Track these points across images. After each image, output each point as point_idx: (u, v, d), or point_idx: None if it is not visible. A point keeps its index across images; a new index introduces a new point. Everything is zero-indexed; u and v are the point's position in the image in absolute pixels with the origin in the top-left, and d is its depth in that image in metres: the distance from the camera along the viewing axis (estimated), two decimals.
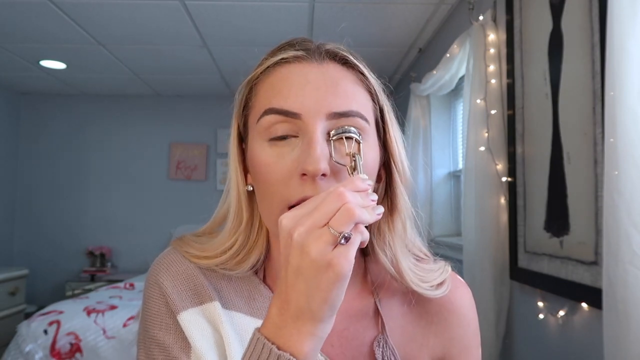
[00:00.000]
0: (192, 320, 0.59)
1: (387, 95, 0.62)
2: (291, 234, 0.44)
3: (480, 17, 2.02)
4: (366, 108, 0.57)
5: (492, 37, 1.92)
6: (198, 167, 4.59)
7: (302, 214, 0.44)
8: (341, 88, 0.55)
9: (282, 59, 0.57)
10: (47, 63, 3.57)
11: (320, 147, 0.51)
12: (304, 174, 0.52)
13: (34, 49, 3.25)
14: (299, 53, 0.57)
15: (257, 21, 2.71)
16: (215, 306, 0.60)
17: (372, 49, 3.14)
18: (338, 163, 0.52)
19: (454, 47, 2.24)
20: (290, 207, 0.52)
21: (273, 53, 0.59)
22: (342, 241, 0.42)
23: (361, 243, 0.44)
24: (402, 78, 3.69)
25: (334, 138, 0.53)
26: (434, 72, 2.50)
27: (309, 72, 0.55)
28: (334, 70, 0.56)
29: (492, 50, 1.91)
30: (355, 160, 0.52)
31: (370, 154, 0.56)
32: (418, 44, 3.05)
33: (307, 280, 0.43)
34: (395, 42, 3.05)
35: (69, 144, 4.57)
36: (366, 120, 0.55)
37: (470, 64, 1.98)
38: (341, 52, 0.58)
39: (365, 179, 0.47)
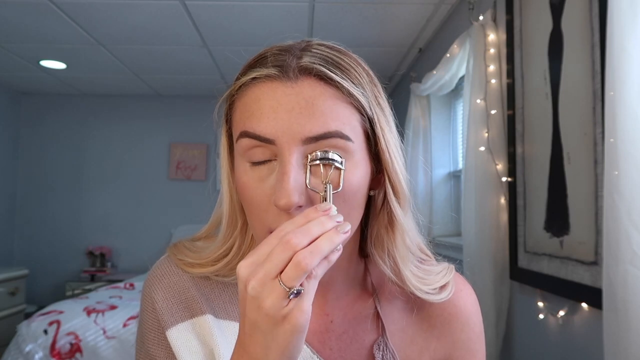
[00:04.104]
0: (180, 337, 0.59)
1: (384, 99, 0.58)
2: (246, 286, 0.44)
3: (480, 17, 2.02)
4: (349, 124, 0.52)
5: (492, 37, 1.92)
6: (198, 167, 4.59)
7: (256, 263, 0.44)
8: (317, 108, 0.50)
9: (254, 78, 0.53)
10: (47, 63, 3.57)
11: (293, 179, 0.49)
12: None
13: (34, 49, 3.25)
14: (271, 71, 0.52)
15: (257, 21, 2.71)
16: (207, 319, 0.60)
17: (372, 49, 3.14)
18: (313, 191, 0.50)
19: (454, 47, 2.24)
20: (271, 232, 0.51)
21: (246, 69, 0.56)
22: (292, 296, 0.42)
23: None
24: (402, 78, 3.69)
25: (310, 164, 0.50)
26: (434, 72, 2.50)
27: (282, 94, 0.51)
28: (309, 88, 0.51)
29: (492, 50, 1.91)
30: (326, 190, 0.50)
31: (356, 172, 0.53)
32: (418, 44, 3.05)
33: (264, 333, 0.43)
34: (395, 42, 3.05)
35: (69, 144, 4.57)
36: (348, 138, 0.51)
37: (470, 64, 1.98)
38: (316, 66, 0.51)
39: (327, 209, 0.47)
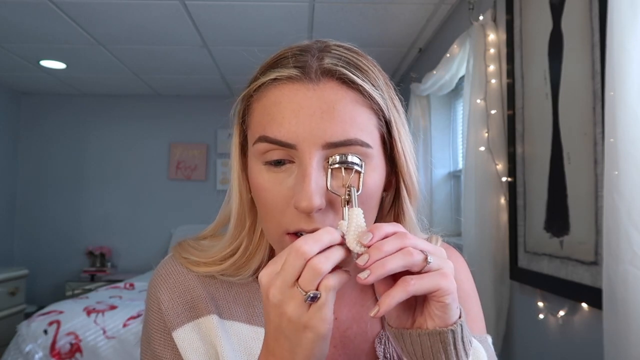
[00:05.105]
0: (186, 338, 0.59)
1: (398, 100, 0.58)
2: (267, 294, 0.44)
3: (480, 17, 2.02)
4: (368, 129, 0.52)
5: (492, 37, 1.92)
6: (198, 167, 4.59)
7: (275, 271, 0.45)
8: (337, 113, 0.50)
9: (275, 78, 0.53)
10: (47, 63, 3.57)
11: (315, 182, 0.49)
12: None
13: (34, 49, 3.25)
14: (293, 73, 0.52)
15: (257, 21, 2.71)
16: (212, 319, 0.60)
17: (372, 49, 3.14)
18: (334, 193, 0.50)
19: (454, 47, 2.24)
20: (289, 234, 0.52)
21: (265, 69, 0.55)
22: (308, 300, 0.43)
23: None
24: (402, 78, 3.69)
25: (332, 167, 0.51)
26: (434, 72, 2.50)
27: (303, 96, 0.51)
28: (331, 91, 0.51)
29: (492, 50, 1.91)
30: (349, 193, 0.50)
31: (373, 175, 0.53)
32: (418, 44, 3.05)
33: (289, 338, 0.44)
34: (395, 42, 3.05)
35: (68, 144, 4.57)
36: (367, 145, 0.52)
37: (470, 64, 1.98)
38: (339, 68, 0.52)
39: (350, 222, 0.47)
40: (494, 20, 1.96)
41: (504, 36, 1.86)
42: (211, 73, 3.76)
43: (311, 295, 0.43)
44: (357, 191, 0.50)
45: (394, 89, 0.59)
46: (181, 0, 2.45)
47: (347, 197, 0.49)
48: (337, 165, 0.50)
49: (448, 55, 2.30)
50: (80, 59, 3.47)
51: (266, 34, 2.87)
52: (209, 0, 2.47)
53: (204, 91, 4.35)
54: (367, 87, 0.52)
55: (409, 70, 3.40)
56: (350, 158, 0.51)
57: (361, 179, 0.51)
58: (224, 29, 2.84)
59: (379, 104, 0.53)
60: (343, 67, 0.52)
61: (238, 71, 3.59)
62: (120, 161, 4.58)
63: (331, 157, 0.51)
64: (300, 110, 0.51)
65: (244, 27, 2.81)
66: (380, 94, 0.54)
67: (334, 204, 0.51)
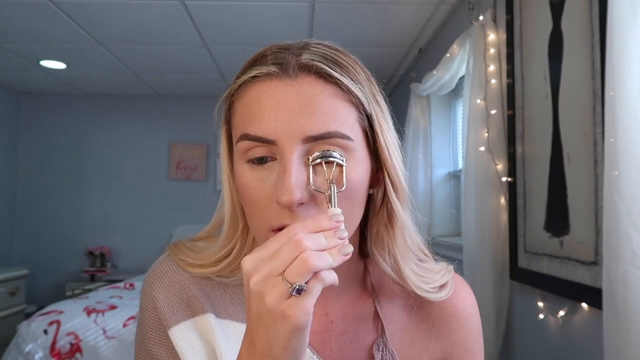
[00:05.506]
0: (182, 336, 0.59)
1: (382, 97, 0.59)
2: (249, 280, 0.44)
3: (480, 17, 2.02)
4: (348, 122, 0.52)
5: (492, 37, 1.92)
6: (198, 167, 4.59)
7: (262, 258, 0.44)
8: (316, 107, 0.51)
9: (254, 76, 0.54)
10: (47, 63, 3.57)
11: (295, 176, 0.49)
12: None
13: (34, 49, 3.25)
14: (271, 69, 0.53)
15: (257, 21, 2.71)
16: (209, 318, 0.59)
17: (372, 49, 3.14)
18: (317, 191, 0.50)
19: (454, 47, 2.24)
20: (273, 230, 0.52)
21: (246, 68, 0.56)
22: (294, 293, 0.42)
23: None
24: (402, 78, 3.69)
25: (312, 163, 0.50)
26: (434, 72, 2.50)
27: (282, 92, 0.51)
28: (309, 85, 0.52)
29: (492, 50, 1.91)
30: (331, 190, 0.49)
31: (357, 169, 0.53)
32: (418, 44, 3.05)
33: (267, 327, 0.43)
34: (395, 42, 3.04)
35: (68, 144, 4.57)
36: (348, 137, 0.52)
37: (470, 64, 1.98)
38: (316, 63, 0.52)
39: (336, 214, 0.47)
40: (494, 20, 1.96)
41: (504, 36, 1.86)
42: (211, 73, 3.76)
43: (297, 287, 0.42)
44: (342, 186, 0.50)
45: (378, 86, 0.59)
46: (181, 0, 2.45)
47: (329, 192, 0.50)
48: (318, 161, 0.50)
49: (448, 55, 2.30)
50: (80, 59, 3.47)
51: (266, 34, 2.87)
52: (209, 0, 2.47)
53: (204, 91, 4.35)
54: (346, 81, 0.53)
55: (409, 70, 3.40)
56: (331, 152, 0.51)
57: (344, 173, 0.51)
58: (224, 29, 2.84)
59: (358, 98, 0.53)
60: (320, 61, 0.53)
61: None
62: (120, 161, 4.58)
63: (312, 155, 0.51)
64: (279, 106, 0.51)
65: (244, 27, 2.81)
66: (360, 88, 0.54)
67: (317, 198, 0.51)
